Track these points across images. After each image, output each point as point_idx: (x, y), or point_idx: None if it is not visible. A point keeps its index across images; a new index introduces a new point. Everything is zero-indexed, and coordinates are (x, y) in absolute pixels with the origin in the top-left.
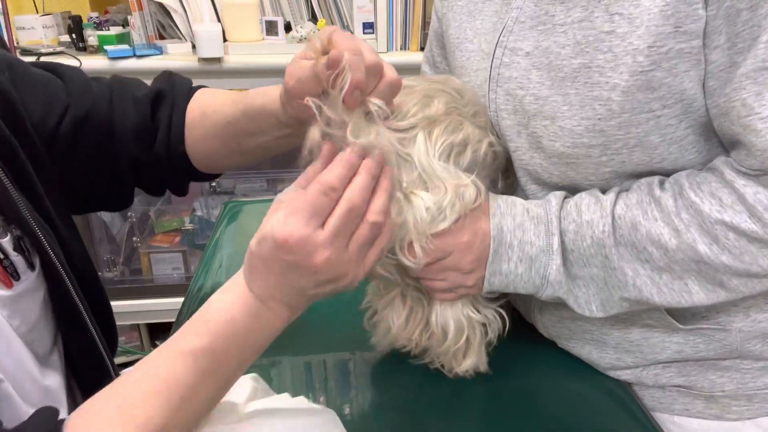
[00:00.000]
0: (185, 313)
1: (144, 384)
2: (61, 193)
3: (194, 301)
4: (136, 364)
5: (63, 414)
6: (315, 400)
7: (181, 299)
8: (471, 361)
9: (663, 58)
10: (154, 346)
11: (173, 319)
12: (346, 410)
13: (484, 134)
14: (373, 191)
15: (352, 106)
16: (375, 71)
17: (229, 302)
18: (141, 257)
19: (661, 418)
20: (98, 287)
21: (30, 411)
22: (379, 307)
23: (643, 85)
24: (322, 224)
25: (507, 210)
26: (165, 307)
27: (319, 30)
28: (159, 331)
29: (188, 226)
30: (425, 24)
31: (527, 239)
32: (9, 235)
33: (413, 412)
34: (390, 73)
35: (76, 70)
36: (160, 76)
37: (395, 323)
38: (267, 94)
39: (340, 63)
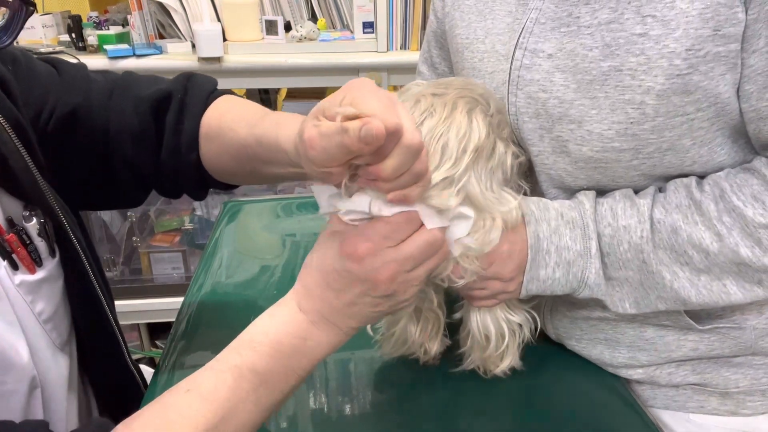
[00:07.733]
0: (185, 313)
1: (186, 401)
2: (57, 189)
3: (194, 301)
4: (181, 381)
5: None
6: (315, 401)
7: (181, 299)
8: (508, 362)
9: (700, 61)
10: (154, 345)
11: (173, 319)
12: (347, 410)
13: (507, 145)
14: None
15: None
16: (416, 152)
17: (277, 323)
18: (141, 257)
19: (676, 416)
20: (105, 277)
21: (34, 401)
22: (391, 319)
23: (679, 88)
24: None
25: (541, 216)
26: (165, 307)
27: (319, 29)
28: (159, 331)
29: (188, 225)
30: (425, 24)
31: (564, 244)
32: (35, 219)
33: (413, 412)
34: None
35: (75, 66)
36: (177, 77)
37: (413, 333)
38: (282, 126)
39: (377, 139)
